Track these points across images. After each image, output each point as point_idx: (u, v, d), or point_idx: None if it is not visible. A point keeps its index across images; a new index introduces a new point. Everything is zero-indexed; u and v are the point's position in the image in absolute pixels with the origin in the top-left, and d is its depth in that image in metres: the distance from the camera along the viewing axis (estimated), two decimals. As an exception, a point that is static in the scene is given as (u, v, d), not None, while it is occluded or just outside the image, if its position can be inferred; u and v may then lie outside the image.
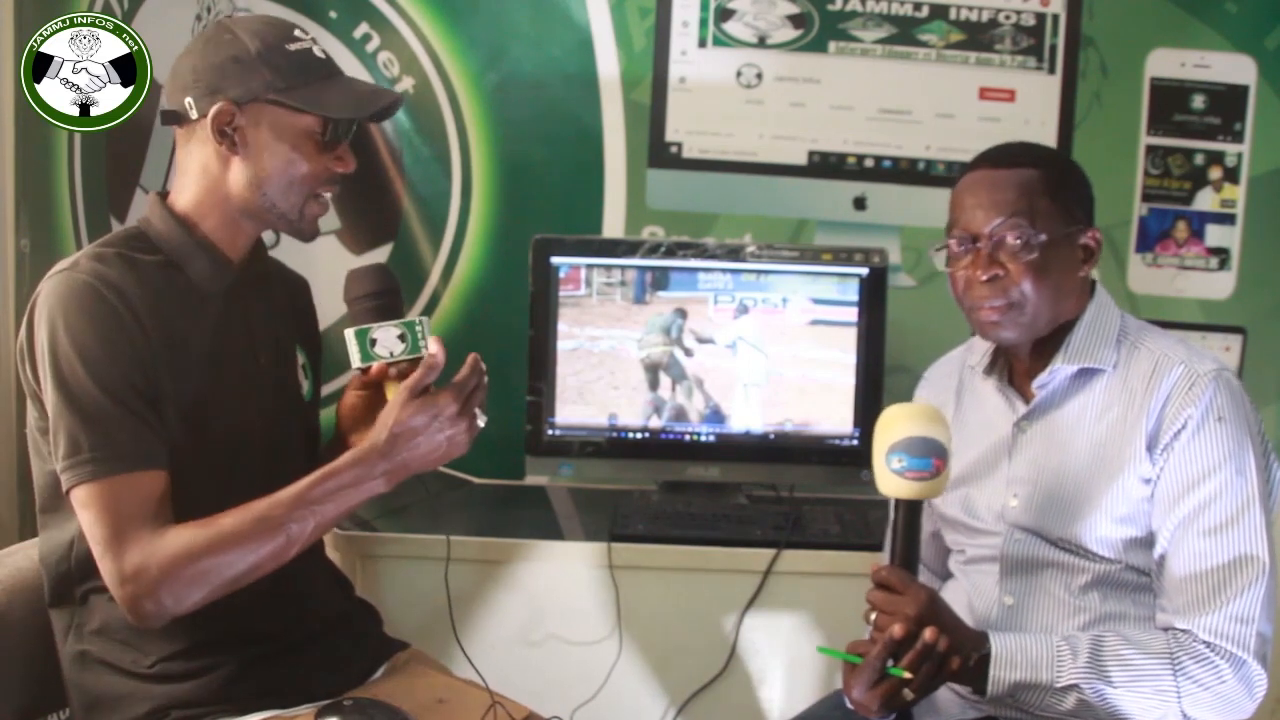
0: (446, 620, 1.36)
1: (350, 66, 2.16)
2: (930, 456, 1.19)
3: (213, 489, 1.21)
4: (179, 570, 1.12)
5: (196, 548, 1.13)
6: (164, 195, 1.30)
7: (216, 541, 1.13)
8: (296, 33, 1.28)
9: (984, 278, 1.28)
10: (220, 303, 1.29)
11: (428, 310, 2.22)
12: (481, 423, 1.24)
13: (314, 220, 1.31)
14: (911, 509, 1.22)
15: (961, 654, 1.20)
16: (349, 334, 1.23)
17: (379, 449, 1.19)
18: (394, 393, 1.22)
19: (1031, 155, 1.36)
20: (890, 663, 1.19)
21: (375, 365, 1.23)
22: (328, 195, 1.31)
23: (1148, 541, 1.28)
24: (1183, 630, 1.22)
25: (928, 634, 1.17)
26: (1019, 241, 1.28)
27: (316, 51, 1.28)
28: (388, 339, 1.22)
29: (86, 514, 1.15)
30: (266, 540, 1.15)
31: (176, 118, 1.26)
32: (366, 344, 1.22)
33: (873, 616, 1.22)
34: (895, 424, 1.21)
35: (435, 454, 1.21)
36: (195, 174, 1.27)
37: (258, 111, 1.23)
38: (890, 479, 1.21)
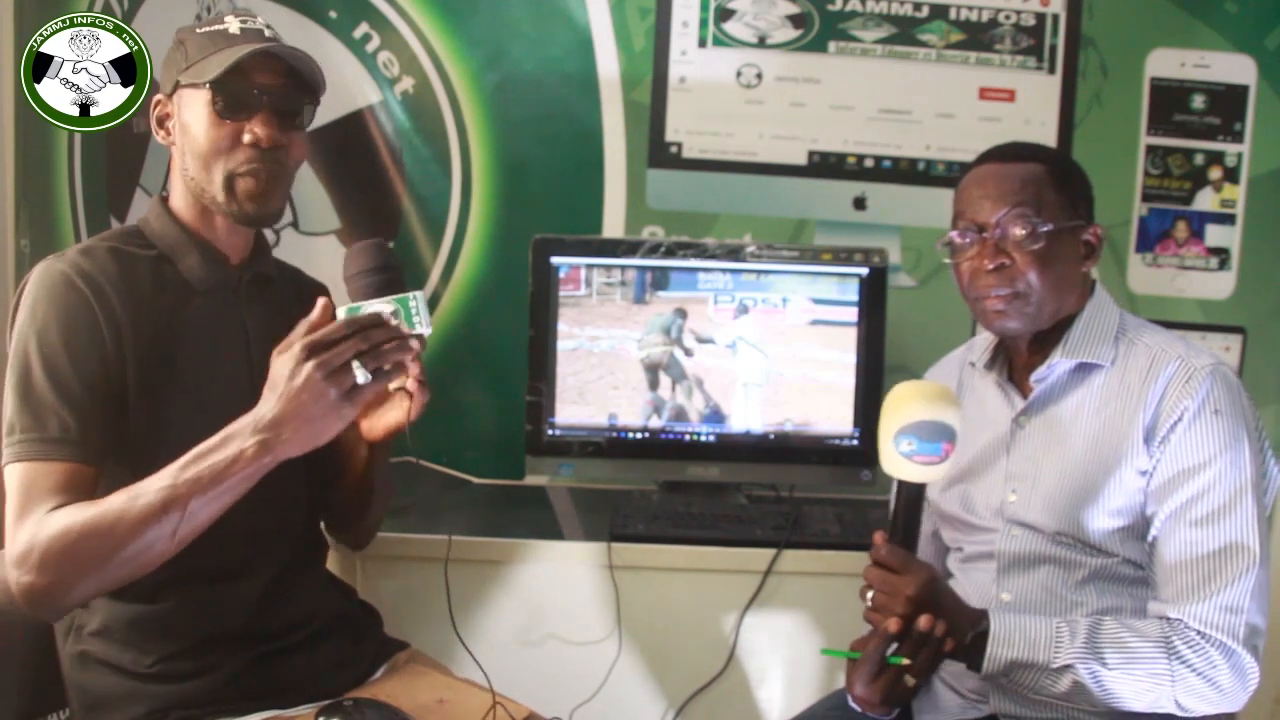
0: (446, 620, 1.36)
1: (350, 66, 2.16)
2: (940, 441, 1.19)
3: None
4: (58, 550, 1.09)
5: (73, 530, 1.09)
6: (168, 197, 1.33)
7: (92, 524, 1.09)
8: (229, 18, 1.28)
9: (990, 266, 1.30)
10: (214, 300, 1.29)
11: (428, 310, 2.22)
12: (360, 379, 1.10)
13: (248, 200, 1.26)
14: (916, 491, 1.23)
15: (958, 635, 1.22)
16: (340, 311, 1.18)
17: (252, 414, 1.11)
18: None
19: (1035, 151, 1.39)
20: (891, 649, 1.20)
21: None
22: (262, 172, 1.25)
23: (1144, 533, 1.29)
24: (1175, 619, 1.23)
25: (923, 622, 1.19)
26: (1025, 231, 1.30)
27: (233, 29, 1.27)
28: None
29: (8, 493, 1.16)
30: (145, 524, 1.09)
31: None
32: None
33: (869, 594, 1.23)
34: (907, 404, 1.20)
35: (300, 414, 1.09)
36: (178, 172, 1.31)
37: (179, 98, 1.27)
38: (898, 461, 1.20)
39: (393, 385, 1.21)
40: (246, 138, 1.25)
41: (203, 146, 1.25)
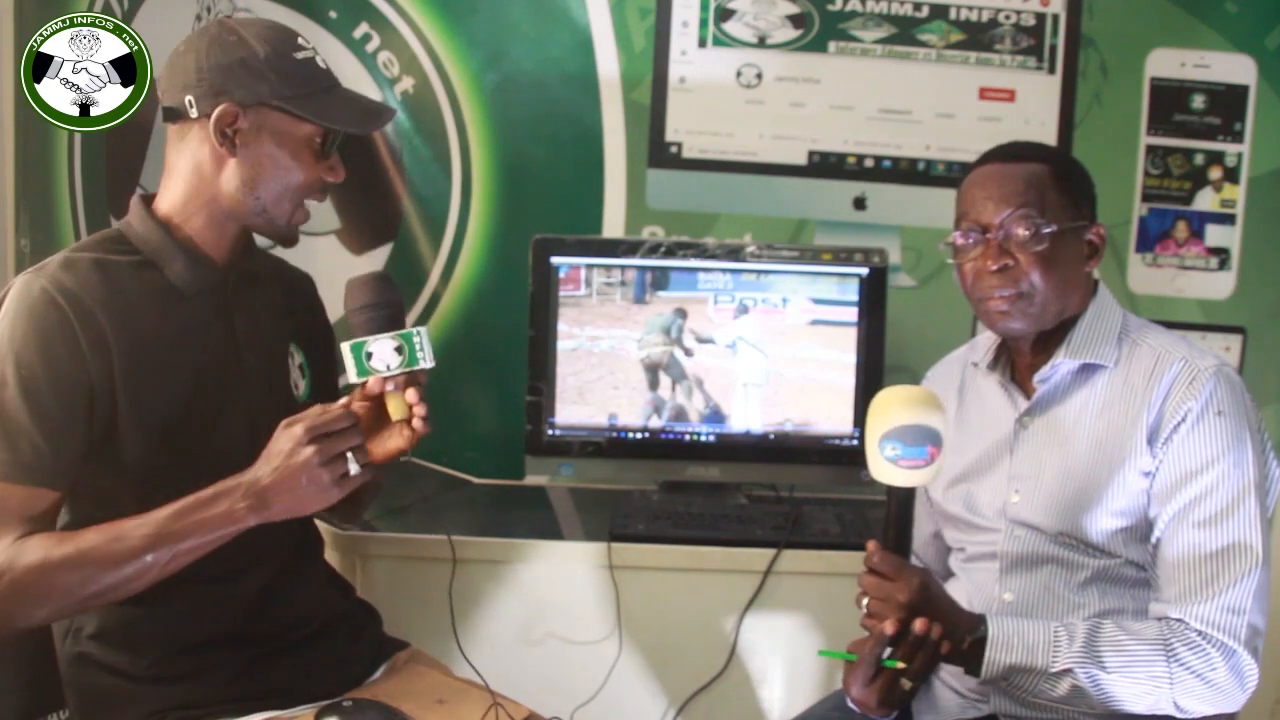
0: (447, 620, 1.36)
1: (350, 66, 2.16)
2: (924, 444, 1.19)
3: (198, 489, 1.18)
4: (30, 581, 1.11)
5: (51, 562, 1.11)
6: (148, 197, 1.31)
7: (72, 558, 1.11)
8: (300, 40, 1.28)
9: (994, 268, 1.30)
10: (200, 303, 1.27)
11: (428, 310, 2.22)
12: (353, 470, 1.16)
13: (297, 227, 1.31)
14: (905, 495, 1.23)
15: (954, 639, 1.22)
16: (344, 347, 1.20)
17: (247, 476, 1.14)
18: (395, 407, 1.20)
19: (1038, 151, 1.39)
20: (887, 652, 1.20)
21: (371, 381, 1.21)
22: (312, 203, 1.31)
23: (1147, 535, 1.29)
24: (1176, 620, 1.23)
25: (918, 625, 1.19)
26: (1028, 232, 1.30)
27: (319, 61, 1.28)
28: (384, 352, 1.20)
29: None
30: (123, 564, 1.12)
31: (175, 114, 1.25)
32: (362, 358, 1.19)
33: (865, 602, 1.23)
34: (889, 410, 1.21)
35: (292, 490, 1.14)
36: (185, 173, 1.26)
37: (261, 116, 1.23)
38: (884, 467, 1.21)
39: (396, 416, 1.22)
40: (329, 176, 1.29)
41: (295, 179, 1.26)
